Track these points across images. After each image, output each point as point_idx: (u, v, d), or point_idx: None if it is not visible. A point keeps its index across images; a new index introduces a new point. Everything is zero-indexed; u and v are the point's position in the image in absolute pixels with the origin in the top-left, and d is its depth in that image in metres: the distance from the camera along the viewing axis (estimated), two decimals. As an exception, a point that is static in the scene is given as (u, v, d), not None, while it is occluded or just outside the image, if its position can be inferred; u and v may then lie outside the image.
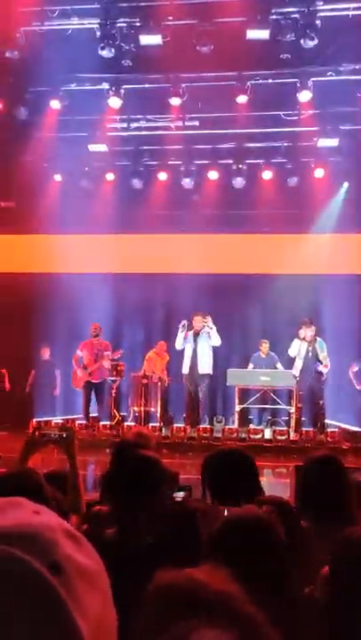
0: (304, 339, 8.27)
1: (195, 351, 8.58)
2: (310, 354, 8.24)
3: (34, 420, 8.89)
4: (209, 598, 0.57)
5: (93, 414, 8.99)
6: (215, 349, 8.93)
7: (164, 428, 8.54)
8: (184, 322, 8.56)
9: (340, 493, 1.76)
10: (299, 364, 8.25)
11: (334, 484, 1.80)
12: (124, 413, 9.43)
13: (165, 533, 1.68)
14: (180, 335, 8.58)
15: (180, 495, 2.45)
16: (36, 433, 2.46)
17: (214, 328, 8.55)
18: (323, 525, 1.66)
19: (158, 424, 8.77)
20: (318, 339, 8.31)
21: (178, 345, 8.67)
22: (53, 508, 1.55)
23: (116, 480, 1.91)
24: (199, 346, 8.59)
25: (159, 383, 9.14)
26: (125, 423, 8.91)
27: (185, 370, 8.72)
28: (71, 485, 2.22)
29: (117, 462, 2.03)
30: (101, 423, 8.78)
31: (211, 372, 8.77)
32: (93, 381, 8.83)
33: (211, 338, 8.58)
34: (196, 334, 8.61)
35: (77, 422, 8.69)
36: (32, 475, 1.65)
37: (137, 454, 1.91)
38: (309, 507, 1.79)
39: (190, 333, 8.64)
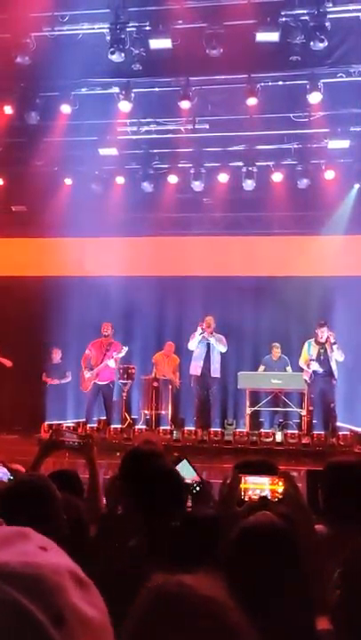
0: (320, 340, 8.24)
1: (207, 354, 8.59)
2: (322, 356, 8.20)
3: (45, 423, 8.93)
4: (194, 602, 0.60)
5: (102, 417, 9.00)
6: (226, 352, 8.92)
7: (175, 431, 8.54)
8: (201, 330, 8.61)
9: None
10: (315, 366, 8.21)
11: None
12: (135, 416, 9.43)
13: (188, 542, 1.68)
14: (197, 337, 8.61)
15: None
16: (54, 436, 2.47)
17: (213, 339, 8.58)
18: (344, 531, 1.64)
19: (169, 427, 8.77)
20: (332, 340, 8.27)
21: (192, 346, 8.69)
22: (64, 523, 1.56)
23: (135, 492, 1.89)
24: (211, 349, 8.60)
25: (170, 386, 9.13)
26: (136, 426, 8.92)
27: (196, 372, 8.71)
28: (92, 491, 2.23)
29: (132, 474, 2.01)
30: (112, 426, 8.79)
31: (219, 375, 8.79)
32: (99, 383, 8.83)
33: (214, 345, 8.61)
34: (210, 335, 8.63)
35: (88, 426, 8.72)
36: (45, 483, 1.63)
37: (155, 467, 1.89)
38: (331, 511, 1.75)
39: (205, 335, 8.64)
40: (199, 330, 8.65)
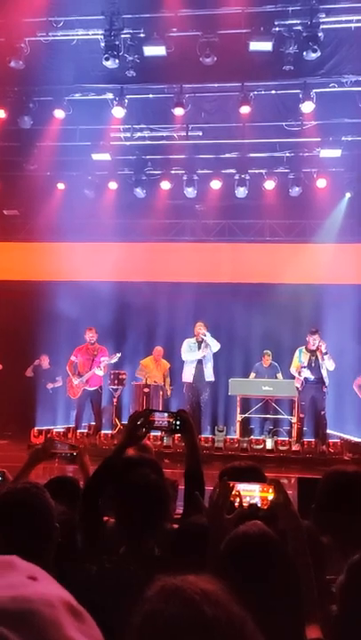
0: (311, 348, 8.27)
1: (200, 360, 8.59)
2: (313, 364, 8.23)
3: (35, 428, 8.87)
4: (198, 592, 0.61)
5: (92, 423, 8.95)
6: (217, 358, 8.92)
7: (165, 438, 8.51)
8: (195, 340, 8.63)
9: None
10: (306, 373, 8.23)
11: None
12: (125, 422, 9.39)
13: (175, 549, 1.67)
14: (192, 345, 8.64)
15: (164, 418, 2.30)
16: (46, 448, 2.45)
17: (208, 335, 8.58)
18: (339, 541, 1.64)
19: (160, 433, 8.74)
20: (322, 348, 8.30)
21: (187, 357, 8.68)
22: (57, 531, 1.54)
23: (122, 500, 1.87)
24: (205, 355, 8.61)
25: (161, 392, 9.11)
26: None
27: (188, 378, 8.70)
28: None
29: (121, 482, 2.00)
30: (102, 432, 8.74)
31: (213, 379, 8.79)
32: (89, 389, 8.79)
33: (210, 345, 8.60)
34: (201, 343, 8.64)
35: (78, 432, 8.68)
36: (38, 492, 1.61)
37: (143, 477, 1.88)
38: (327, 521, 1.74)
39: (194, 341, 8.65)
40: (192, 340, 8.67)
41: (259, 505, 1.67)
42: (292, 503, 1.60)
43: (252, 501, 1.69)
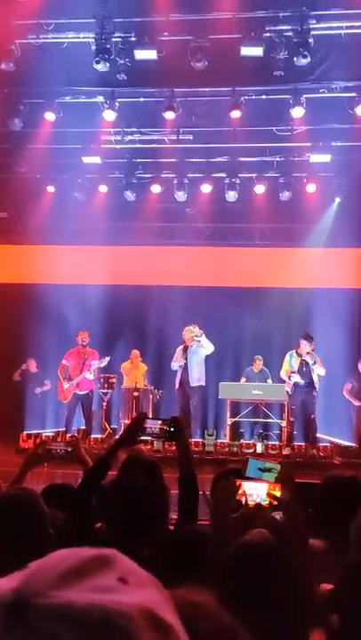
0: (302, 352, 8.29)
1: (185, 365, 8.60)
2: (304, 368, 8.25)
3: (24, 432, 8.80)
4: (188, 607, 0.60)
5: (81, 427, 8.90)
6: (207, 362, 8.92)
7: (155, 442, 8.48)
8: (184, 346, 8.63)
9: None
10: (296, 378, 8.25)
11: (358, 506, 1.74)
12: (115, 426, 9.36)
13: (169, 556, 1.65)
14: (178, 359, 8.68)
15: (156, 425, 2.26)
16: (40, 449, 2.44)
17: (203, 335, 8.57)
18: (337, 546, 1.63)
19: (150, 437, 8.70)
20: (312, 353, 8.33)
21: (173, 366, 8.74)
22: (51, 538, 1.51)
23: (112, 502, 1.86)
24: (189, 359, 8.61)
25: (151, 395, 9.09)
26: (116, 436, 8.83)
27: (177, 383, 8.72)
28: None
29: (112, 484, 1.98)
30: (92, 436, 8.70)
31: (204, 383, 8.78)
32: (79, 392, 8.74)
33: (203, 347, 8.60)
34: (186, 348, 8.65)
35: (68, 436, 8.62)
36: (31, 498, 1.58)
37: (136, 484, 1.86)
38: (326, 526, 1.74)
39: (180, 348, 8.69)
40: (180, 347, 8.70)
41: (264, 503, 1.66)
42: (295, 505, 1.60)
43: (258, 499, 1.68)
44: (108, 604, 0.39)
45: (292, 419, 8.46)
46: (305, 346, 8.19)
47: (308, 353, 8.22)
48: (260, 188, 9.45)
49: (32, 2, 6.91)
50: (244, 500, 1.66)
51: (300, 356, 8.29)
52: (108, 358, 8.80)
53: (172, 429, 2.20)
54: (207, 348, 8.63)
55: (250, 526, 1.53)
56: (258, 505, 1.64)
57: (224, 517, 1.56)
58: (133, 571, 0.44)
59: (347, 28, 6.98)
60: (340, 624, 1.16)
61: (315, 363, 8.13)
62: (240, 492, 1.66)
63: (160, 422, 2.27)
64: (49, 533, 1.56)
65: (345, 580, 1.18)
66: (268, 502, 1.68)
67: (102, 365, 8.81)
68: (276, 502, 1.63)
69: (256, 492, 1.71)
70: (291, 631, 1.05)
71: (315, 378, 8.24)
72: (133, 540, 1.74)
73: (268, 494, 1.70)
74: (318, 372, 8.17)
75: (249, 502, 1.67)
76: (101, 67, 7.20)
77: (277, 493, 1.66)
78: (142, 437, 2.30)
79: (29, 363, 9.50)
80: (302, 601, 1.13)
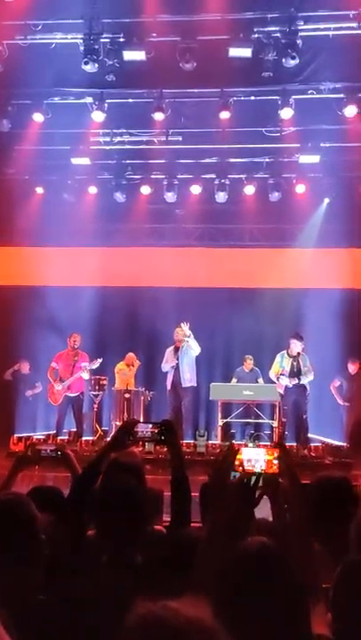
0: (292, 352, 8.31)
1: (177, 366, 8.60)
2: (295, 368, 8.27)
3: (15, 435, 8.75)
4: (182, 623, 0.58)
5: (72, 429, 8.86)
6: (198, 363, 8.92)
7: (147, 444, 8.46)
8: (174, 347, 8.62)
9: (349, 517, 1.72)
10: (285, 380, 8.26)
11: (348, 507, 1.75)
12: (106, 428, 9.32)
13: (161, 560, 1.65)
14: (172, 355, 8.67)
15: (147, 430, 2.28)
16: (29, 451, 2.42)
17: (192, 335, 8.58)
18: (330, 547, 1.63)
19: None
20: (302, 353, 8.36)
21: (164, 368, 8.74)
22: (43, 543, 1.50)
23: (102, 507, 1.85)
24: (180, 360, 8.61)
25: (142, 397, 9.07)
26: (108, 438, 8.80)
27: (168, 385, 8.72)
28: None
29: (102, 488, 1.96)
30: (83, 438, 8.66)
31: (195, 383, 8.78)
32: (70, 394, 8.71)
33: (191, 348, 8.61)
34: (177, 349, 8.65)
35: (59, 438, 8.58)
36: (22, 503, 1.56)
37: (123, 484, 1.86)
38: (322, 526, 1.74)
39: (171, 349, 8.69)
40: (171, 348, 8.70)
41: (263, 467, 1.77)
42: (293, 466, 1.76)
43: (258, 464, 1.77)
44: None
45: (284, 419, 8.48)
46: (295, 345, 8.21)
47: (299, 354, 8.25)
48: (249, 189, 9.48)
49: (20, 2, 6.86)
50: (240, 465, 1.73)
51: (291, 356, 8.31)
52: (99, 360, 8.78)
53: (163, 433, 2.20)
54: (195, 349, 8.63)
55: (250, 492, 1.58)
56: (258, 475, 1.73)
57: (222, 480, 1.61)
58: None
59: (334, 29, 7.00)
60: (338, 624, 1.15)
61: (306, 366, 8.16)
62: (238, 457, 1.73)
63: (151, 426, 2.28)
64: (41, 539, 1.54)
65: (343, 580, 1.18)
66: (267, 466, 1.77)
67: (94, 367, 8.79)
68: (275, 466, 1.72)
69: (256, 456, 1.78)
70: (291, 631, 1.05)
71: (303, 378, 8.26)
72: (123, 545, 1.73)
73: (267, 459, 1.79)
74: (308, 378, 8.20)
75: (247, 469, 1.73)
76: (90, 67, 7.18)
77: (274, 459, 1.76)
78: (135, 442, 2.30)
79: (22, 364, 9.44)
80: (303, 601, 1.12)
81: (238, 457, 1.75)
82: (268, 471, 1.77)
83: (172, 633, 0.58)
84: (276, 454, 1.78)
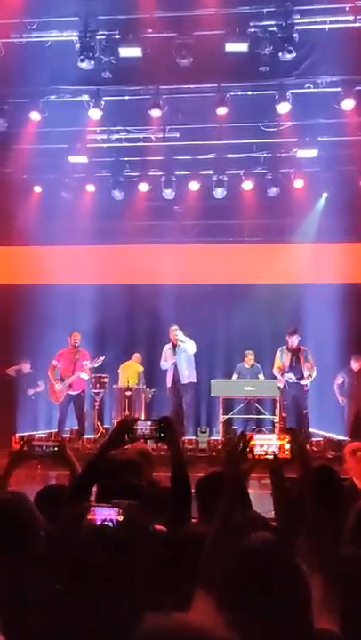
0: (291, 347, 8.32)
1: (175, 363, 8.63)
2: (294, 363, 8.28)
3: (17, 435, 8.76)
4: (193, 633, 0.57)
5: (74, 427, 8.88)
6: (199, 359, 8.93)
7: (148, 441, 8.47)
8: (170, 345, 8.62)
9: (335, 505, 1.74)
10: (289, 376, 8.28)
11: (330, 494, 1.78)
12: (108, 426, 9.34)
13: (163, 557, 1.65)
14: (169, 352, 8.68)
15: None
16: (24, 447, 2.41)
17: (186, 341, 8.63)
18: (318, 540, 1.63)
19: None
20: (303, 348, 8.37)
21: (163, 365, 8.76)
22: (42, 542, 1.50)
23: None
24: (178, 357, 8.64)
25: (143, 395, 9.09)
26: (109, 436, 8.81)
27: (169, 382, 8.74)
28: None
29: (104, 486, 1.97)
30: (85, 436, 8.67)
31: (195, 380, 8.79)
32: (71, 393, 8.72)
33: (187, 348, 8.64)
34: (175, 347, 8.68)
35: (61, 436, 8.59)
36: (21, 501, 1.56)
37: (126, 481, 1.87)
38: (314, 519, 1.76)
39: (169, 347, 8.71)
40: (168, 345, 8.72)
41: (276, 453, 1.84)
42: (306, 450, 1.87)
43: (270, 449, 1.85)
44: None
45: (284, 414, 8.49)
46: (292, 340, 8.23)
47: (300, 348, 8.26)
48: (247, 185, 9.46)
49: (15, 1, 6.84)
50: (251, 451, 1.78)
51: (290, 351, 8.32)
52: (102, 358, 8.80)
53: (162, 430, 2.20)
54: (190, 348, 8.68)
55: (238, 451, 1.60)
56: (272, 460, 1.79)
57: (236, 468, 1.65)
58: None
59: (331, 22, 6.97)
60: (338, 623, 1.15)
61: (308, 361, 8.17)
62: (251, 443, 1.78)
63: (150, 423, 2.27)
64: (40, 536, 1.54)
65: (341, 576, 1.18)
66: (279, 451, 1.83)
67: (96, 366, 8.80)
68: (287, 451, 1.79)
69: (268, 442, 1.84)
70: (292, 631, 1.05)
71: (305, 373, 8.27)
72: (125, 541, 1.73)
73: (279, 444, 1.84)
74: (312, 376, 8.22)
75: (260, 454, 1.79)
76: (86, 65, 7.15)
77: (286, 444, 1.82)
78: (134, 440, 2.30)
79: (22, 364, 9.45)
80: (305, 598, 1.12)
81: (251, 442, 1.79)
82: (281, 456, 1.82)
83: None
84: (287, 439, 1.83)
